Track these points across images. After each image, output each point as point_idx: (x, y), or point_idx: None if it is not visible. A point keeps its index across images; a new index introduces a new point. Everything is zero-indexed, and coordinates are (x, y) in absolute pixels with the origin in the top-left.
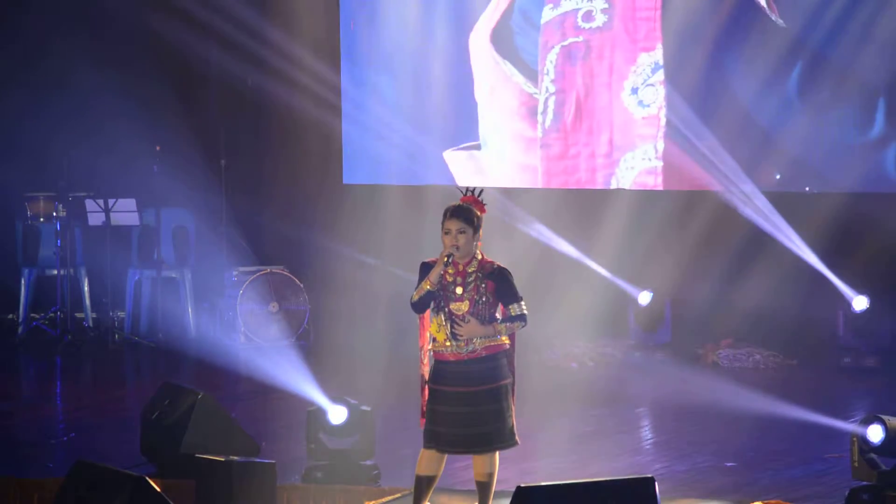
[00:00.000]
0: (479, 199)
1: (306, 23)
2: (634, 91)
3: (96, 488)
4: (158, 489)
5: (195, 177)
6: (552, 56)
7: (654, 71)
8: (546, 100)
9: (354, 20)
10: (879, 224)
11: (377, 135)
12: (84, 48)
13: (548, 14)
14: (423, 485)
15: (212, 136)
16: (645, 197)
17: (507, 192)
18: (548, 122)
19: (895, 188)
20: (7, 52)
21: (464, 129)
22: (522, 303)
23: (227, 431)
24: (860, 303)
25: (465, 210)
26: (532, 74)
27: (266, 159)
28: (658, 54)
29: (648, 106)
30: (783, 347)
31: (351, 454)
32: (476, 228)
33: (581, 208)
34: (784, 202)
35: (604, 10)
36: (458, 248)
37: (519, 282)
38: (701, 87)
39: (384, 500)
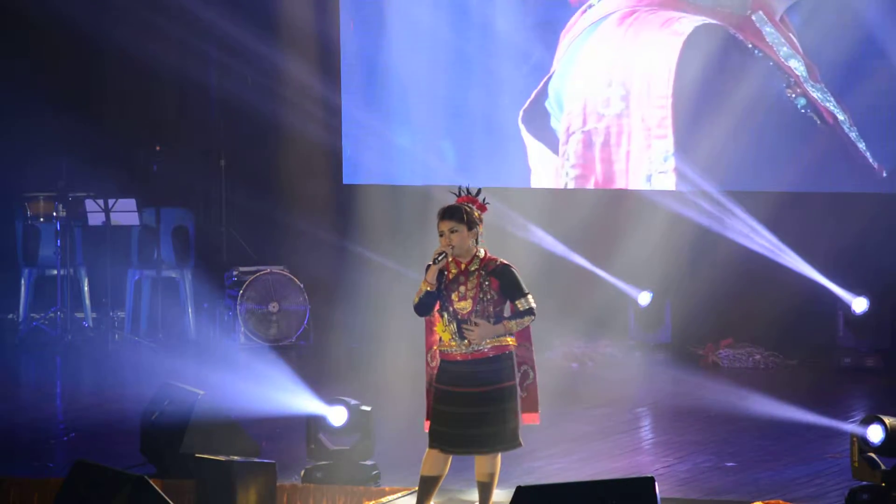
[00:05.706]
0: (478, 197)
1: (307, 23)
2: (648, 179)
3: (96, 488)
4: (158, 489)
5: (195, 177)
6: (574, 141)
7: (665, 159)
8: (566, 184)
9: (354, 21)
10: (879, 224)
11: (378, 134)
12: (86, 51)
13: (572, 99)
14: (427, 485)
15: (212, 135)
16: (645, 197)
17: (506, 194)
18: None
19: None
20: (9, 53)
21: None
22: (529, 297)
23: (227, 431)
24: (860, 304)
25: (455, 209)
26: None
27: (266, 159)
28: (669, 142)
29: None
30: (783, 347)
31: (351, 454)
32: (470, 225)
33: (581, 209)
34: (783, 203)
35: (622, 97)
36: (452, 247)
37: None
38: (716, 170)
39: (384, 499)
